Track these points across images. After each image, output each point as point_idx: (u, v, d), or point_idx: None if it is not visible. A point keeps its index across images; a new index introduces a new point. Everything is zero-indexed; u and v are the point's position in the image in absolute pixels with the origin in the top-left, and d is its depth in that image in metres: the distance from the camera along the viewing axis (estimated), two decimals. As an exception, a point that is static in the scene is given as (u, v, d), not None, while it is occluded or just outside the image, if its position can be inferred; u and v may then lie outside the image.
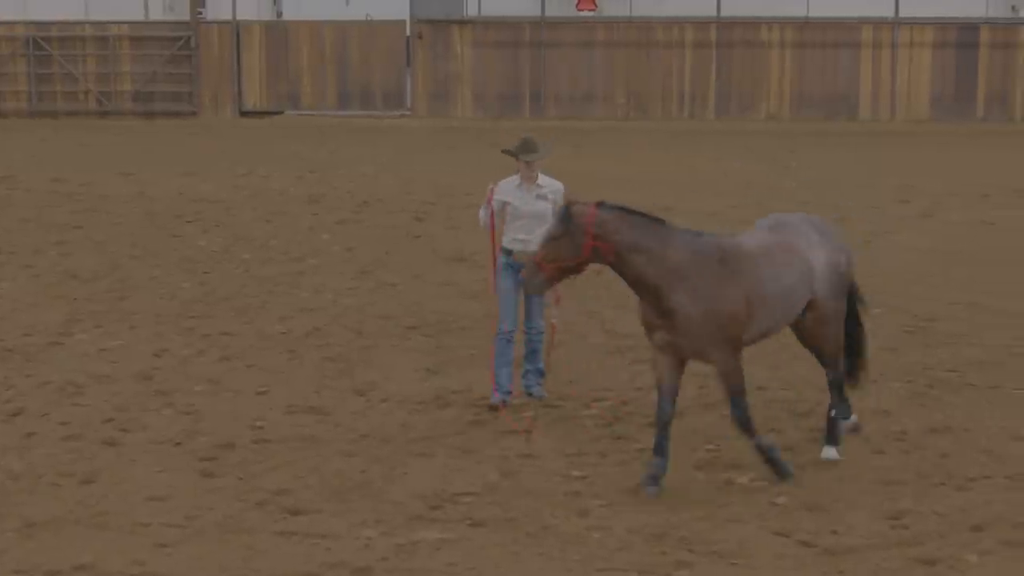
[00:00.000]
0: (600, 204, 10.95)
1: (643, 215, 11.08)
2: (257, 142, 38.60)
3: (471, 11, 45.41)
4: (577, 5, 45.35)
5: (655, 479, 11.12)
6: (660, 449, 11.21)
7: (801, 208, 25.56)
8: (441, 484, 11.25)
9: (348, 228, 23.90)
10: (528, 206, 13.19)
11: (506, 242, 13.30)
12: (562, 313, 14.03)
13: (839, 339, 11.98)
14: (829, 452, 11.87)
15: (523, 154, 13.23)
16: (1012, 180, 29.89)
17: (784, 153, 36.00)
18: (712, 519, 10.50)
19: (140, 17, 46.55)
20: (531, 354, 13.65)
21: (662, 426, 11.25)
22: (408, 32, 45.46)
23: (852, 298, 12.19)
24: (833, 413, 11.95)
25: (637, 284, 10.99)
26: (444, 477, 11.42)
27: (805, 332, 11.95)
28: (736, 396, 11.19)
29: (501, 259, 13.35)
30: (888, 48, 44.45)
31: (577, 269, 11.09)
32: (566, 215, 10.90)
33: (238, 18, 45.85)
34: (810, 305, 11.58)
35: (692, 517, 10.53)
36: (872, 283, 18.91)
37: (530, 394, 13.58)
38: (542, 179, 13.34)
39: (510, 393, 13.41)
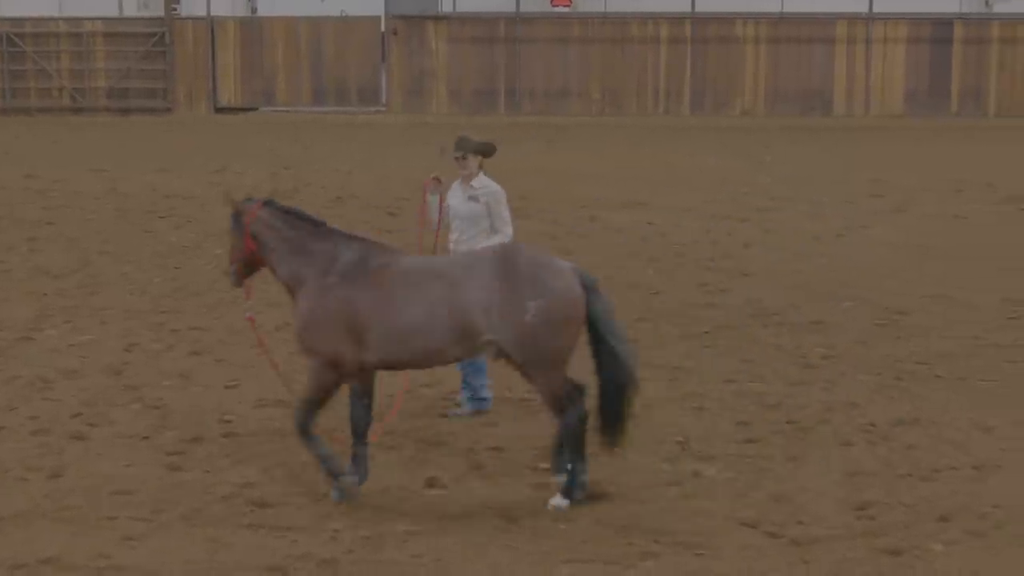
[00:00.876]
0: (266, 203, 10.98)
1: (303, 219, 10.94)
2: (232, 138, 38.56)
3: (446, 7, 45.47)
4: (552, 1, 45.40)
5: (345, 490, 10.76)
6: (356, 459, 10.90)
7: (777, 203, 25.74)
8: (409, 477, 11.24)
9: (321, 224, 23.82)
10: (461, 206, 12.75)
11: (449, 242, 13.08)
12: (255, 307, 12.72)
13: (552, 386, 10.50)
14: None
15: (448, 151, 12.95)
16: (985, 175, 30.00)
17: (759, 149, 36.08)
18: (679, 511, 10.49)
19: (114, 13, 46.57)
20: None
21: (356, 434, 10.92)
22: (383, 28, 45.51)
23: (603, 346, 10.68)
24: (568, 466, 10.65)
25: (285, 287, 10.99)
26: (412, 470, 11.40)
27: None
28: (305, 403, 10.76)
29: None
30: (862, 44, 44.61)
31: (253, 267, 11.18)
32: (235, 213, 11.00)
33: (213, 14, 45.86)
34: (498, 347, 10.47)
35: (659, 509, 10.53)
36: (844, 277, 19.17)
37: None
38: (480, 180, 12.78)
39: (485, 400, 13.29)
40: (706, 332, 16.18)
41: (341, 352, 10.53)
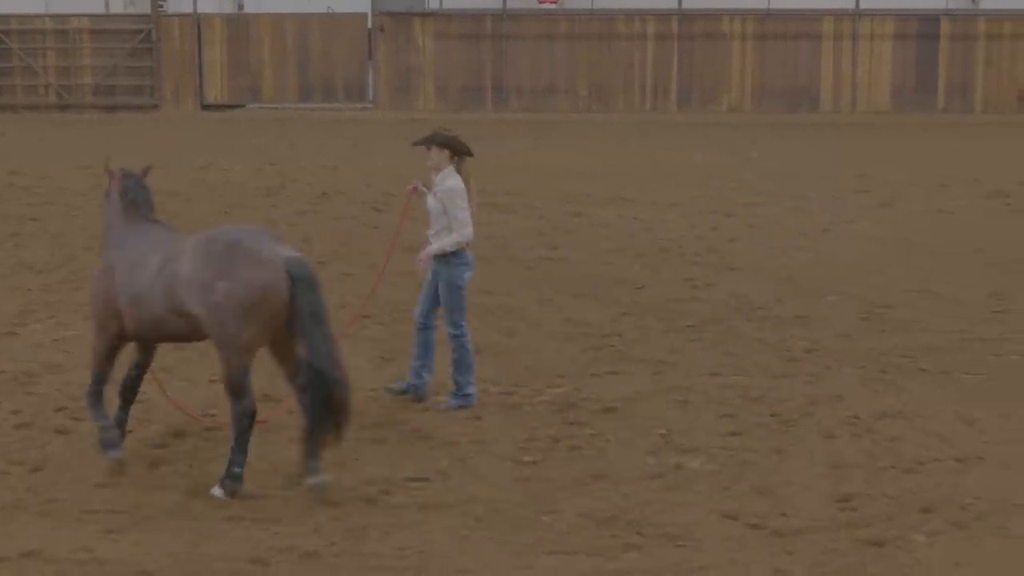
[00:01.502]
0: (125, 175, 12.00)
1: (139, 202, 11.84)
2: (218, 135, 38.51)
3: (433, 3, 45.48)
4: (538, -2, 45.47)
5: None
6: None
7: (763, 199, 25.77)
8: (392, 470, 11.23)
9: (307, 219, 23.86)
10: (430, 200, 12.83)
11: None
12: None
13: (238, 368, 10.66)
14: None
15: (414, 144, 12.95)
16: (971, 170, 30.04)
17: (746, 144, 36.10)
18: (662, 502, 10.51)
19: (100, 10, 46.51)
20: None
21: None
22: (370, 25, 45.50)
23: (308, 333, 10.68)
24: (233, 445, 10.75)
25: None
26: (395, 463, 11.39)
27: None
28: (93, 377, 11.48)
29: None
30: (849, 40, 44.66)
31: None
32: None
33: (199, 11, 45.82)
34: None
35: (642, 501, 10.53)
36: (829, 271, 19.19)
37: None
38: (442, 176, 12.76)
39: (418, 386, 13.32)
40: (691, 326, 16.18)
41: (107, 324, 11.30)
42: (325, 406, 10.60)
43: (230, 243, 10.60)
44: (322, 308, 10.68)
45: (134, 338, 11.36)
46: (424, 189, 12.97)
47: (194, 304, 10.57)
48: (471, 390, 13.04)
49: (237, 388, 10.66)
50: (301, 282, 10.51)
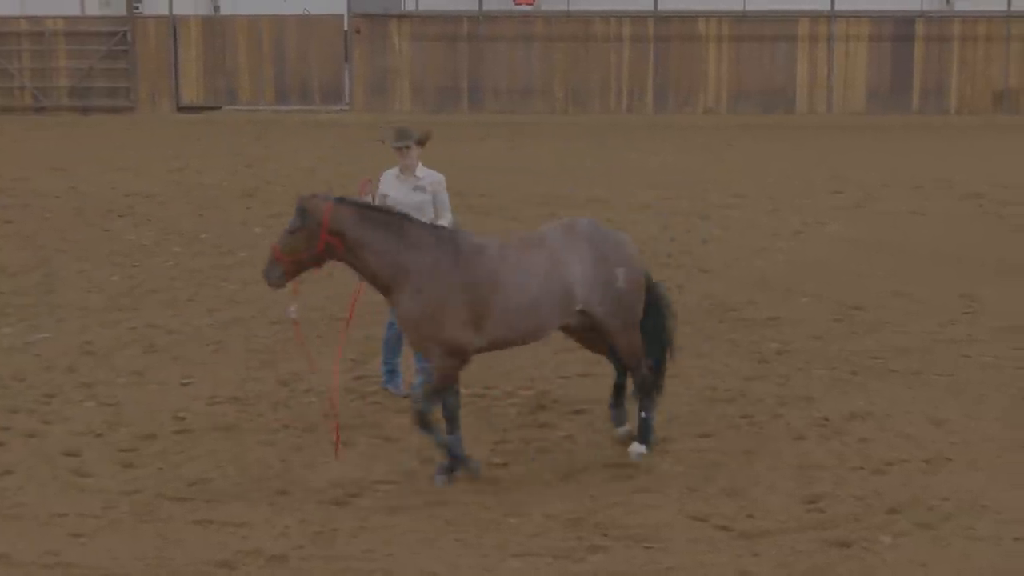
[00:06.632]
0: (339, 200, 10.96)
1: (383, 211, 11.11)
2: (194, 137, 38.42)
3: (409, 5, 45.42)
4: (515, -1, 45.45)
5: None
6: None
7: (737, 200, 25.80)
8: (361, 472, 11.25)
9: (281, 222, 23.43)
10: (406, 197, 12.78)
11: None
12: (301, 308, 12.80)
13: (635, 342, 11.68)
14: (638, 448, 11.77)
15: (391, 141, 13.00)
16: (945, 171, 30.10)
17: (721, 146, 36.13)
18: (630, 504, 10.54)
19: (76, 12, 46.35)
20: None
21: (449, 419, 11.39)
22: (346, 26, 45.40)
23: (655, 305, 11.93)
24: (643, 414, 11.85)
25: (373, 281, 11.05)
26: (364, 465, 11.42)
27: (589, 341, 12.10)
28: (432, 394, 11.03)
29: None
30: (824, 41, 44.72)
31: (314, 264, 11.08)
32: (302, 209, 10.88)
33: (175, 13, 45.67)
34: (582, 316, 11.38)
35: (610, 503, 10.57)
36: (802, 273, 19.21)
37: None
38: (421, 170, 12.93)
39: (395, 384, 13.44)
40: (663, 328, 16.18)
41: (458, 338, 10.96)
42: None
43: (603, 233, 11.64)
44: None
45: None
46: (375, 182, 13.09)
47: (594, 304, 11.42)
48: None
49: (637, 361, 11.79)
50: None
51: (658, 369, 11.97)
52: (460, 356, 10.99)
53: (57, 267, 19.86)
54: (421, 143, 12.86)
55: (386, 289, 10.98)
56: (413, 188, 12.85)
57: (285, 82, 45.68)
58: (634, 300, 11.49)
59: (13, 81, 45.55)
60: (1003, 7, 44.67)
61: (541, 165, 31.77)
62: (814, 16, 44.74)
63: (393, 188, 12.92)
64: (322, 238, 10.84)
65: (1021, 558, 9.53)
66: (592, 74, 45.21)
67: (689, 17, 44.85)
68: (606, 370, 14.09)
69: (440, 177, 13.00)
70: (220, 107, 45.81)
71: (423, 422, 11.01)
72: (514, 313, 10.98)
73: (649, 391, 11.84)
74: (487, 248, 11.12)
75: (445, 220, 12.76)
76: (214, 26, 45.99)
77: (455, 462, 11.10)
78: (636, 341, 11.63)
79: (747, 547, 9.68)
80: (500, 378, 13.96)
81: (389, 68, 45.45)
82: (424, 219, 12.70)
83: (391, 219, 11.02)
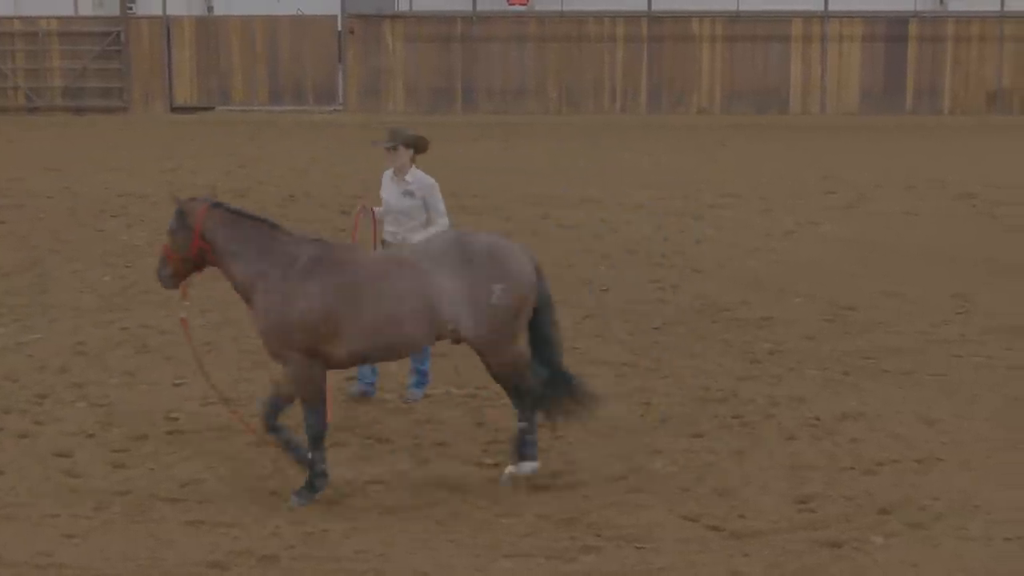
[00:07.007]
0: (215, 204, 10.88)
1: (256, 219, 10.91)
2: (187, 138, 38.39)
3: (402, 6, 45.40)
4: (508, 0, 45.39)
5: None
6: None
7: (730, 200, 25.82)
8: (353, 473, 11.25)
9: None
10: (397, 201, 12.84)
11: (385, 234, 13.11)
12: (191, 309, 12.98)
13: (516, 358, 11.01)
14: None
15: (377, 143, 12.98)
16: (938, 171, 30.13)
17: (714, 146, 36.15)
18: (622, 504, 10.54)
19: (70, 12, 46.28)
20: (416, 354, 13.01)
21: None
22: (339, 27, 45.38)
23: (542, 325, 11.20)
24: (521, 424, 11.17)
25: (237, 290, 10.92)
26: (356, 466, 11.42)
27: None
28: (308, 407, 10.78)
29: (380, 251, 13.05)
30: (818, 42, 44.75)
31: (195, 267, 11.04)
32: (180, 212, 10.85)
33: (168, 13, 45.66)
34: (460, 335, 10.82)
35: (602, 503, 10.57)
36: (794, 273, 19.23)
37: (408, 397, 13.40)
38: (413, 174, 12.86)
39: (372, 384, 13.36)
40: (655, 328, 16.22)
41: (317, 346, 10.62)
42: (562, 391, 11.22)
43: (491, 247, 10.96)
44: None
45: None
46: (374, 209, 13.03)
47: (466, 322, 10.84)
48: (425, 366, 13.33)
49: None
50: None
51: (546, 388, 11.19)
52: (316, 367, 10.71)
53: (50, 267, 19.85)
54: (410, 145, 12.82)
55: (247, 298, 10.82)
56: (403, 192, 12.84)
57: (278, 82, 45.67)
58: (510, 317, 10.77)
59: (7, 81, 45.52)
60: (996, 7, 44.71)
61: (535, 165, 31.78)
62: (807, 16, 44.77)
63: (387, 190, 12.95)
64: (195, 242, 10.84)
65: (1012, 558, 9.54)
66: (586, 74, 45.23)
67: (682, 17, 44.87)
68: (598, 371, 14.15)
69: (431, 182, 12.89)
70: (213, 107, 45.79)
71: (313, 438, 10.81)
72: (371, 327, 10.59)
73: (531, 405, 11.14)
74: (348, 261, 10.78)
75: (439, 226, 12.74)
76: (208, 26, 45.96)
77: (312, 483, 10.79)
78: (511, 358, 10.95)
79: (738, 547, 9.68)
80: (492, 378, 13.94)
81: (383, 68, 45.44)
82: (413, 223, 12.72)
83: (261, 228, 10.83)
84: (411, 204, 12.79)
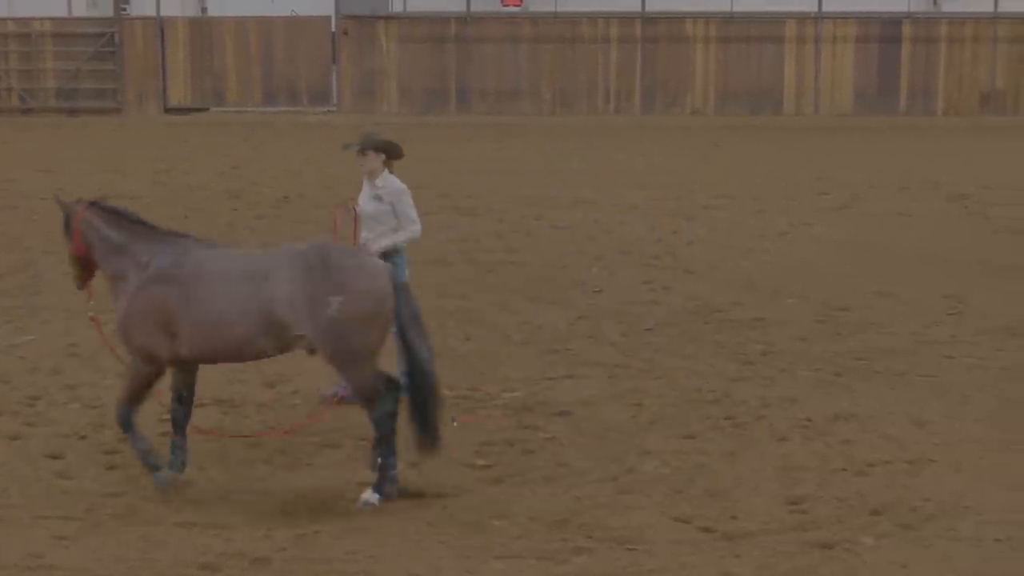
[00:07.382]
0: (91, 204, 11.04)
1: (131, 220, 11.03)
2: (181, 139, 38.38)
3: (396, 7, 45.41)
4: (502, 1, 45.40)
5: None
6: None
7: (723, 201, 25.83)
8: (346, 474, 11.25)
9: (267, 223, 23.82)
10: (367, 205, 12.86)
11: (361, 237, 13.05)
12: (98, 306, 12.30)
13: (363, 380, 10.69)
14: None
15: (348, 146, 12.93)
16: (931, 172, 30.16)
17: (708, 147, 36.16)
18: (614, 506, 10.55)
19: (63, 13, 46.24)
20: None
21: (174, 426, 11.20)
22: (333, 28, 45.38)
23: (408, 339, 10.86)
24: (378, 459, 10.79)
25: (111, 291, 11.06)
26: (349, 468, 11.42)
27: None
28: (125, 400, 11.00)
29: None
30: (812, 43, 44.79)
31: (88, 266, 11.25)
32: (64, 214, 11.06)
33: (162, 14, 45.64)
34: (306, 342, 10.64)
35: (594, 504, 10.57)
36: (787, 274, 19.24)
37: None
38: (383, 179, 12.84)
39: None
40: (648, 329, 16.23)
41: (151, 348, 10.80)
42: (426, 406, 10.86)
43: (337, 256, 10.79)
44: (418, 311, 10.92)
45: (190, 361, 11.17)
46: (354, 207, 13.02)
47: (309, 329, 10.63)
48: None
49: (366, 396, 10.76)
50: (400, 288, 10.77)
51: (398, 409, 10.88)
52: (153, 364, 10.85)
53: (43, 269, 19.81)
54: (380, 150, 12.79)
55: (112, 296, 11.03)
56: (372, 196, 12.85)
57: (272, 83, 45.66)
58: (351, 331, 10.44)
59: (0, 82, 45.48)
60: (990, 8, 44.76)
61: (528, 166, 31.78)
62: (801, 17, 44.81)
63: (362, 193, 12.96)
64: (76, 243, 11.03)
65: (1002, 559, 9.54)
66: (579, 75, 45.24)
67: (676, 18, 44.89)
68: (591, 372, 14.19)
69: (399, 187, 12.84)
70: (207, 108, 45.77)
71: (124, 425, 11.03)
72: (206, 328, 10.59)
73: (383, 434, 10.75)
74: (200, 260, 10.75)
75: (409, 232, 12.73)
76: (201, 27, 45.95)
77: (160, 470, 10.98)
78: (361, 377, 10.66)
79: (729, 548, 9.68)
80: (485, 380, 13.97)
81: (377, 69, 45.45)
82: (383, 228, 12.71)
83: (134, 227, 10.98)
84: (379, 209, 12.77)
